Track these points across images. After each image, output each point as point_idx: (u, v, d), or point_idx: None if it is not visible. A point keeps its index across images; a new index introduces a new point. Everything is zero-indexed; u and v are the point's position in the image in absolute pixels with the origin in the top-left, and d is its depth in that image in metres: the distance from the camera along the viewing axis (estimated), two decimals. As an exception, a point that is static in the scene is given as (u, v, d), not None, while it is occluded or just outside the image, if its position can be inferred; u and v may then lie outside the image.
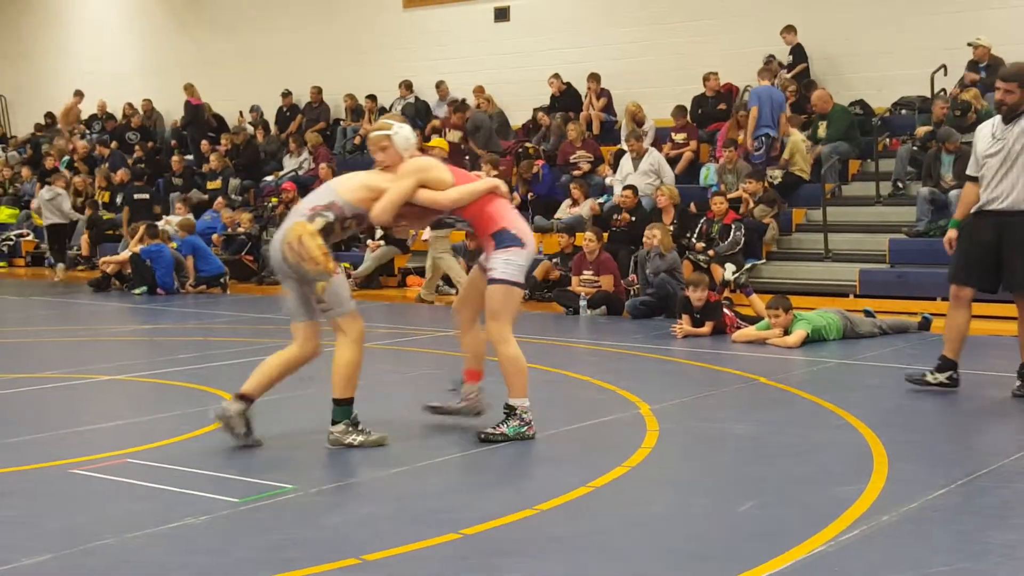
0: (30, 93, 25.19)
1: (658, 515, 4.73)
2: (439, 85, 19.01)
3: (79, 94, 22.29)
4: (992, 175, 7.12)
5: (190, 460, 5.57)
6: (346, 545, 4.26)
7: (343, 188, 5.84)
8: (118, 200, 19.43)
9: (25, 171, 22.18)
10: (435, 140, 16.73)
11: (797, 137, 14.38)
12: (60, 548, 4.22)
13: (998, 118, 7.25)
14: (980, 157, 7.24)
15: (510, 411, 6.04)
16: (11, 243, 20.51)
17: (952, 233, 7.48)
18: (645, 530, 4.50)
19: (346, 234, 6.03)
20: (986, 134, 7.28)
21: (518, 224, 6.01)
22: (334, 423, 5.80)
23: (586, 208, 14.91)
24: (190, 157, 20.33)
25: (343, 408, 5.81)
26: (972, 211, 7.29)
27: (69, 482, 5.23)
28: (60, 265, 18.13)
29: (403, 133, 5.92)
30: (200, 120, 20.92)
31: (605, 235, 13.21)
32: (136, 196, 18.66)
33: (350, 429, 5.79)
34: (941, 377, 7.42)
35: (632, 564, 4.07)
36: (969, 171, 7.42)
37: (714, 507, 4.81)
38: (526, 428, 6.01)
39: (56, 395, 7.81)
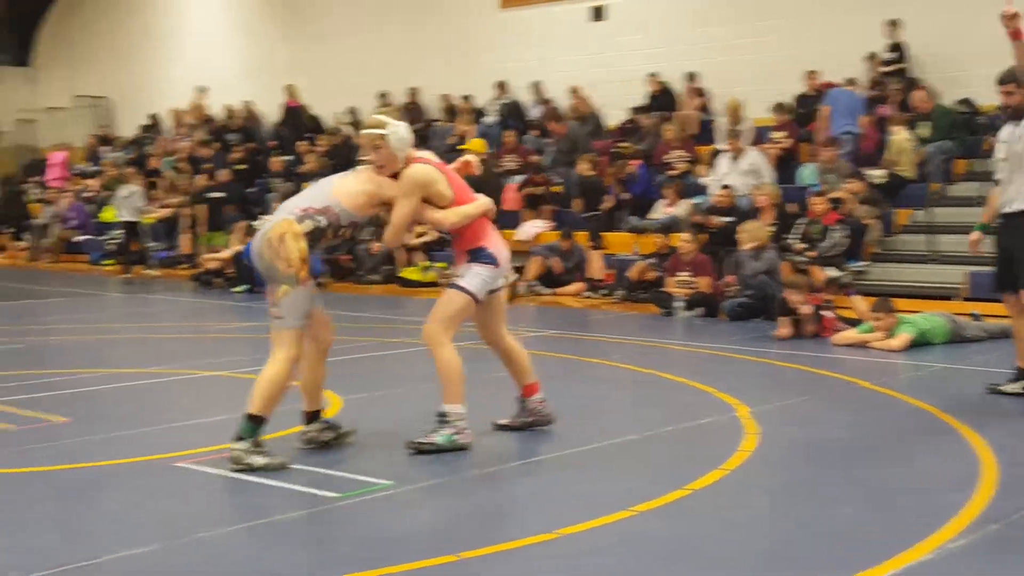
0: (134, 95, 25.80)
1: (757, 519, 4.65)
2: (535, 85, 19.01)
3: (202, 90, 22.70)
4: (1006, 178, 7.14)
5: (289, 455, 5.63)
6: (443, 542, 4.27)
7: (342, 194, 5.50)
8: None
9: (130, 171, 22.71)
10: (471, 143, 16.97)
11: (901, 136, 14.06)
12: (163, 539, 4.29)
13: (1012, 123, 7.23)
14: (997, 161, 7.27)
15: (442, 418, 5.69)
16: (118, 242, 21.00)
17: (975, 235, 7.58)
18: (744, 534, 4.43)
19: (336, 240, 5.73)
20: (1002, 138, 7.28)
21: (497, 244, 5.85)
22: (239, 439, 5.28)
23: (681, 208, 14.79)
24: (290, 158, 20.63)
25: (251, 425, 5.31)
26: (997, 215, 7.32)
27: (174, 475, 5.33)
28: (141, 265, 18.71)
29: (398, 133, 5.59)
30: (298, 121, 21.22)
31: (701, 236, 13.08)
32: (210, 195, 19.07)
33: (252, 449, 5.28)
34: (1016, 387, 7.27)
35: (730, 568, 4.00)
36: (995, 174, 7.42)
37: (813, 512, 4.72)
38: (459, 436, 5.66)
39: (161, 390, 7.98)
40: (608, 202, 15.39)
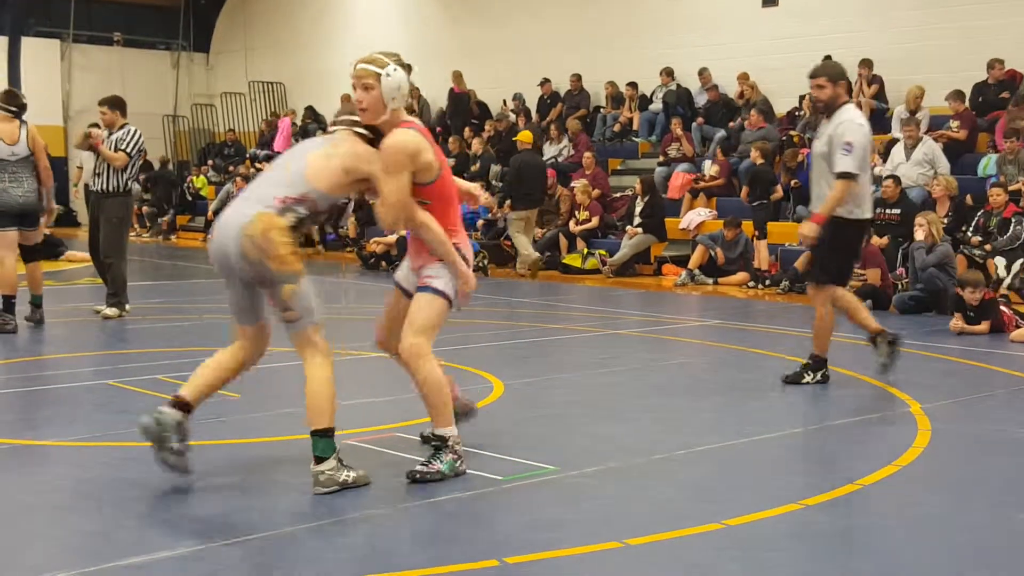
0: (305, 81, 26.48)
1: (931, 517, 4.49)
2: (701, 72, 18.76)
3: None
4: (814, 177, 7.29)
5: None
6: (607, 528, 4.25)
7: (318, 177, 4.79)
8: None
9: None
10: (522, 134, 17.03)
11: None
12: (331, 516, 4.39)
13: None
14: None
15: (441, 443, 4.95)
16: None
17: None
18: (918, 532, 4.28)
19: (316, 223, 5.16)
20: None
21: (466, 242, 5.14)
22: (319, 460, 4.71)
23: (852, 198, 14.40)
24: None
25: (327, 441, 4.73)
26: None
27: (342, 452, 5.43)
28: None
29: (396, 77, 4.85)
30: (463, 108, 21.45)
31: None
32: None
33: (339, 466, 4.75)
34: (816, 376, 7.34)
35: (905, 567, 3.87)
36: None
37: (991, 513, 4.53)
38: (460, 462, 4.95)
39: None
40: (777, 191, 15.11)
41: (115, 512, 4.47)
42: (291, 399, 6.73)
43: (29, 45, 26.39)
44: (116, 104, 10.58)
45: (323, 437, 4.72)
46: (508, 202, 16.36)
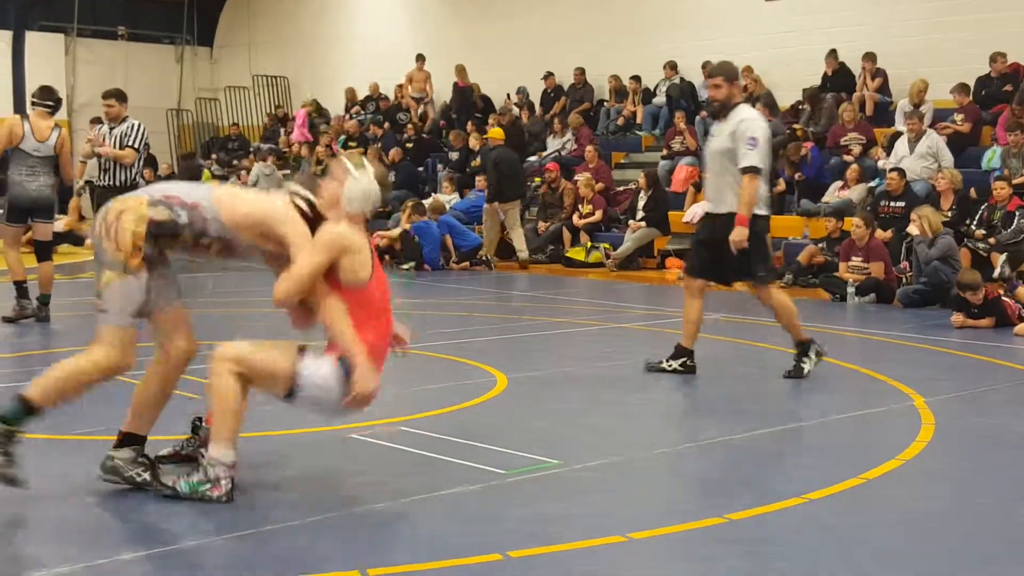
0: (309, 75, 26.49)
1: (935, 512, 4.50)
2: (705, 65, 18.70)
3: (421, 58, 22.54)
4: (708, 175, 7.40)
5: (457, 431, 5.70)
6: (611, 521, 4.26)
7: (226, 206, 4.45)
8: (390, 178, 20.25)
9: (304, 150, 23.35)
10: (493, 131, 17.33)
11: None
12: (338, 510, 4.40)
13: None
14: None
15: (201, 461, 4.53)
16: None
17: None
18: (922, 527, 4.29)
19: (196, 253, 4.67)
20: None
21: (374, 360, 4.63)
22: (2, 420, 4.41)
23: (856, 193, 14.40)
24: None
25: (19, 408, 4.42)
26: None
27: (347, 446, 5.45)
28: None
29: (362, 186, 4.51)
30: (467, 102, 21.44)
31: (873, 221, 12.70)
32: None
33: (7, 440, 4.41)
34: (676, 364, 7.40)
35: (908, 561, 3.89)
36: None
37: (996, 507, 4.54)
38: (210, 487, 4.41)
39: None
40: (779, 185, 15.10)
41: (118, 505, 4.48)
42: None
43: (33, 40, 26.39)
44: (122, 97, 10.59)
45: (22, 407, 4.44)
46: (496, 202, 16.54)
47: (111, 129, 10.40)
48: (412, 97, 22.46)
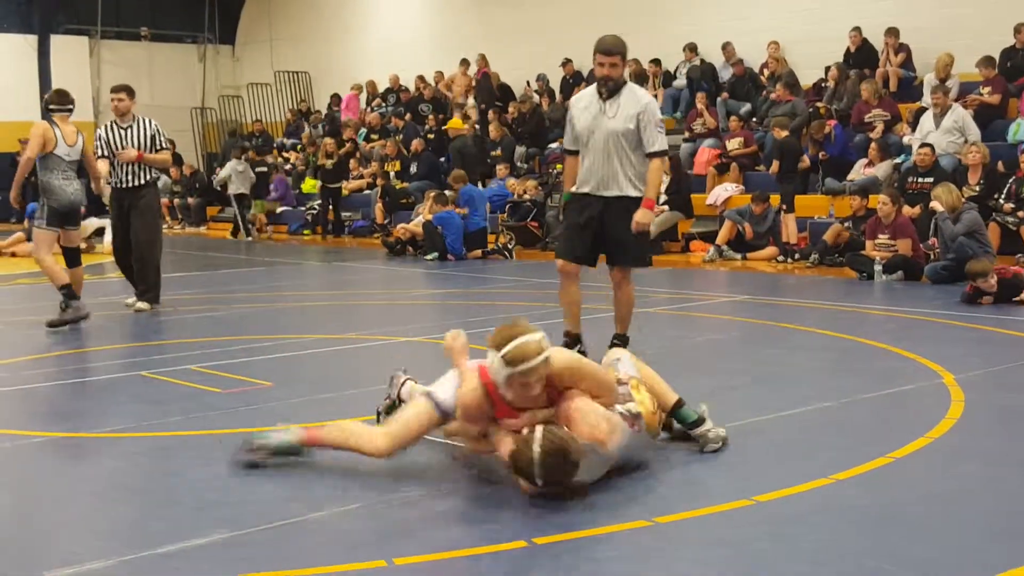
0: (330, 69, 26.54)
1: (966, 490, 4.45)
2: (725, 47, 18.64)
3: (465, 63, 22.40)
4: (596, 157, 7.00)
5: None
6: (637, 507, 4.25)
7: None
8: (412, 169, 20.25)
9: (329, 143, 23.41)
10: (452, 122, 17.85)
11: None
12: (358, 501, 4.40)
13: (590, 90, 7.12)
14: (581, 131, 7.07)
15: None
16: (314, 212, 21.74)
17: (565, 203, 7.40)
18: (952, 505, 4.25)
19: None
20: (582, 108, 7.10)
21: None
22: None
23: (881, 170, 14.30)
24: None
25: None
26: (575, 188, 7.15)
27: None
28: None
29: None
30: (485, 90, 21.42)
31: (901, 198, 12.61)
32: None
33: None
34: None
35: (937, 539, 3.85)
36: (567, 145, 7.31)
37: (1027, 484, 4.50)
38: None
39: (356, 355, 8.20)
40: (803, 163, 15.01)
41: (149, 501, 4.51)
42: (326, 384, 6.79)
43: (58, 42, 26.60)
44: (131, 92, 10.54)
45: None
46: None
47: (124, 130, 10.31)
48: (457, 103, 22.11)
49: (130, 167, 10.32)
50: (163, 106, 26.47)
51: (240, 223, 21.46)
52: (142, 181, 10.39)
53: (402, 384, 5.43)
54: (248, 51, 29.39)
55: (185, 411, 6.06)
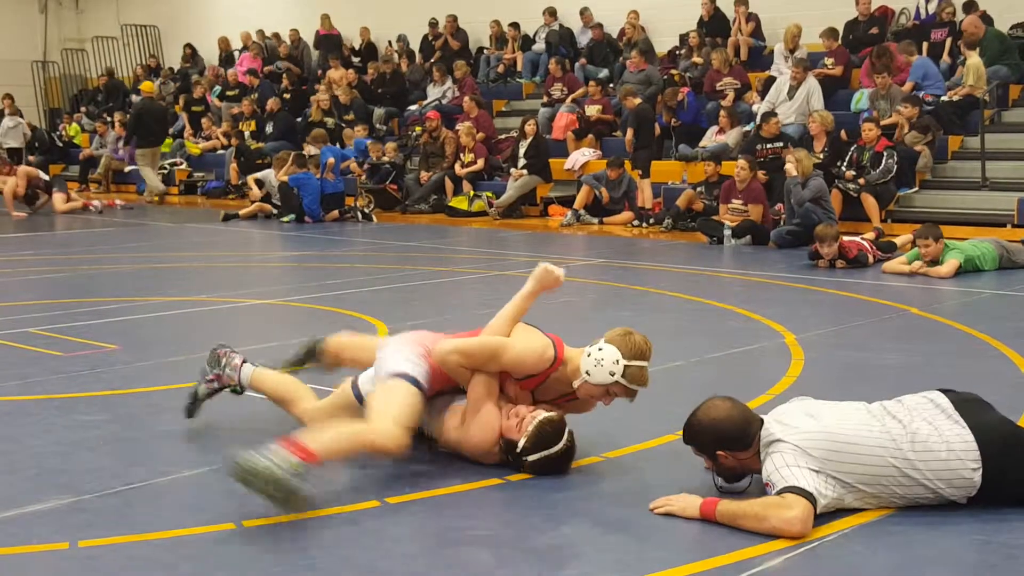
0: (181, 24, 25.80)
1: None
2: (583, 12, 18.75)
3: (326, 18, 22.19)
4: None
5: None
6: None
7: None
8: (267, 129, 19.88)
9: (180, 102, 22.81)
10: (144, 84, 18.90)
11: (975, 60, 13.55)
12: (217, 463, 4.34)
13: None
14: None
15: None
16: (165, 171, 21.14)
17: None
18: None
19: None
20: None
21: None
22: None
23: (731, 137, 14.63)
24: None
25: None
26: None
27: (225, 399, 5.35)
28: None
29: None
30: (333, 50, 21.13)
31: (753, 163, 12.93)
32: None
33: None
34: None
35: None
36: None
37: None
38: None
39: (210, 318, 8.06)
40: (656, 130, 15.23)
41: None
42: (176, 347, 6.65)
43: None
44: None
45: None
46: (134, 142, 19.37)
47: None
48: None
49: None
50: (1, 59, 25.43)
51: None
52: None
53: (240, 366, 4.80)
54: (92, 3, 28.30)
55: (23, 376, 5.88)
